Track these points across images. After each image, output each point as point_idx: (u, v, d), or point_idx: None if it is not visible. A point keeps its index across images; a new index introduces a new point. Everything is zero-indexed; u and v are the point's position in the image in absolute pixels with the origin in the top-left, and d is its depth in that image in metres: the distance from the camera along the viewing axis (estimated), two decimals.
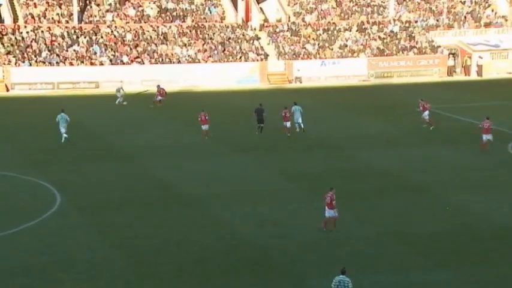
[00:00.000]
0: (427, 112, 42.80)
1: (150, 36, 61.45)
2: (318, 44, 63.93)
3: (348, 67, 62.21)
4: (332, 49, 63.68)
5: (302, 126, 40.59)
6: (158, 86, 50.79)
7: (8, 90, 55.19)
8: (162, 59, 59.70)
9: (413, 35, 66.28)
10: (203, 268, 22.71)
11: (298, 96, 48.21)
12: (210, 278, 21.98)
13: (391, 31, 66.59)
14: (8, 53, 56.84)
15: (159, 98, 49.61)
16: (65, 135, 38.24)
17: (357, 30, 65.89)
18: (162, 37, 61.55)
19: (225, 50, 61.53)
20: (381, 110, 48.59)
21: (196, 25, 63.73)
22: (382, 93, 56.58)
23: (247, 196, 30.01)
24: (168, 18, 64.33)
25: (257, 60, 61.42)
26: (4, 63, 55.97)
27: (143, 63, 59.03)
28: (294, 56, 62.53)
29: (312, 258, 23.43)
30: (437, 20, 68.88)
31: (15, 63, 56.19)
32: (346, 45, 64.26)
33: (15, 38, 58.45)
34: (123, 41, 60.48)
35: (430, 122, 42.50)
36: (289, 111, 40.11)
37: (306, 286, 21.60)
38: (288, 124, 39.79)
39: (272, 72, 60.99)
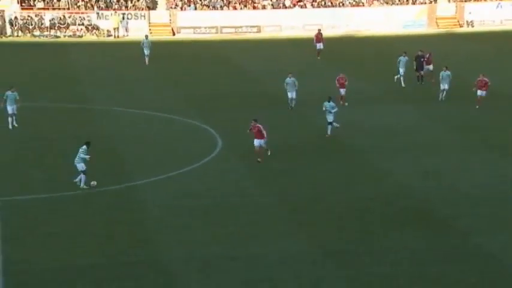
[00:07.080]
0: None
1: None
2: None
3: None
4: None
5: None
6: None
7: (174, 34, 57.53)
8: (325, 3, 59.42)
9: None
10: (363, 218, 22.94)
11: (469, 42, 46.33)
12: (370, 229, 22.17)
13: None
14: None
15: None
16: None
17: None
18: None
19: None
20: None
21: None
22: None
23: (410, 147, 29.74)
24: None
25: (425, 2, 59.53)
26: (171, 7, 58.27)
27: (305, 7, 59.12)
28: None
29: (478, 214, 22.91)
30: None
31: (181, 7, 58.32)
32: None
33: None
34: None
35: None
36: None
37: (470, 245, 21.23)
38: None
39: (441, 16, 58.96)
